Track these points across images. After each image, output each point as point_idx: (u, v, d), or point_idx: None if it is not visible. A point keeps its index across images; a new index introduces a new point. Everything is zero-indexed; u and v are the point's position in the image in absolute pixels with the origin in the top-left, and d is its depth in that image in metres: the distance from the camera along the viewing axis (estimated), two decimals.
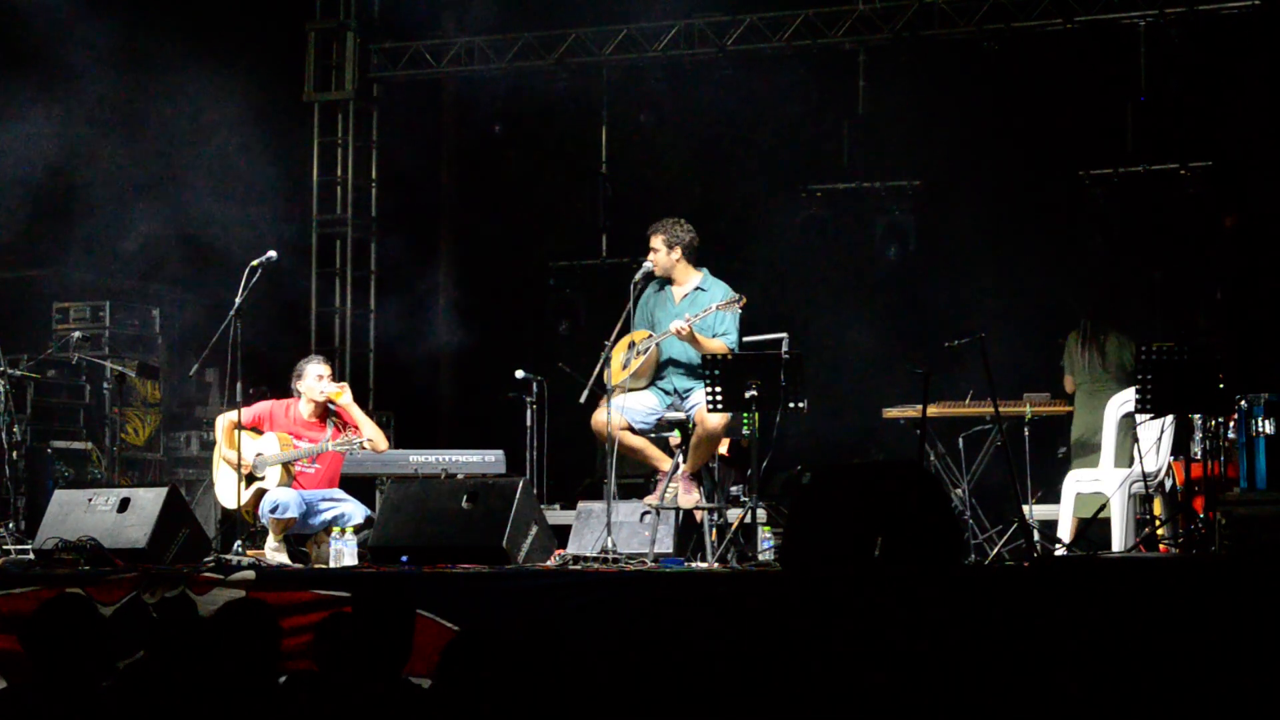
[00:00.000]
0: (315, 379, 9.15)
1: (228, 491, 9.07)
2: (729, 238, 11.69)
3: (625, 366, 8.52)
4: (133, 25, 11.64)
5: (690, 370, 8.57)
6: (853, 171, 12.79)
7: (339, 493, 9.19)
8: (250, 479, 8.99)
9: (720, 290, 8.61)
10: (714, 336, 8.44)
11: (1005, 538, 8.62)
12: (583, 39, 13.07)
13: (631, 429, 8.49)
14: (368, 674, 4.82)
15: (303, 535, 9.17)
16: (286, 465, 9.05)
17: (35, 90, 11.64)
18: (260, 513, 8.98)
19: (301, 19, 13.67)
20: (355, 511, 9.00)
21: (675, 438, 8.73)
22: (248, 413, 9.08)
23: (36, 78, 11.63)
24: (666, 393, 8.63)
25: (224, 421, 9.21)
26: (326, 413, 9.21)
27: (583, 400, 8.50)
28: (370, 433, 9.08)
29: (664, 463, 8.61)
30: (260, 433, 9.16)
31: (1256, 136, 11.49)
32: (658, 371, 8.64)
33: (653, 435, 8.74)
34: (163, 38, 11.72)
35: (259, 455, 9.04)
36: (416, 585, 7.41)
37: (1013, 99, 12.07)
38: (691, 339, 8.35)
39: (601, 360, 8.40)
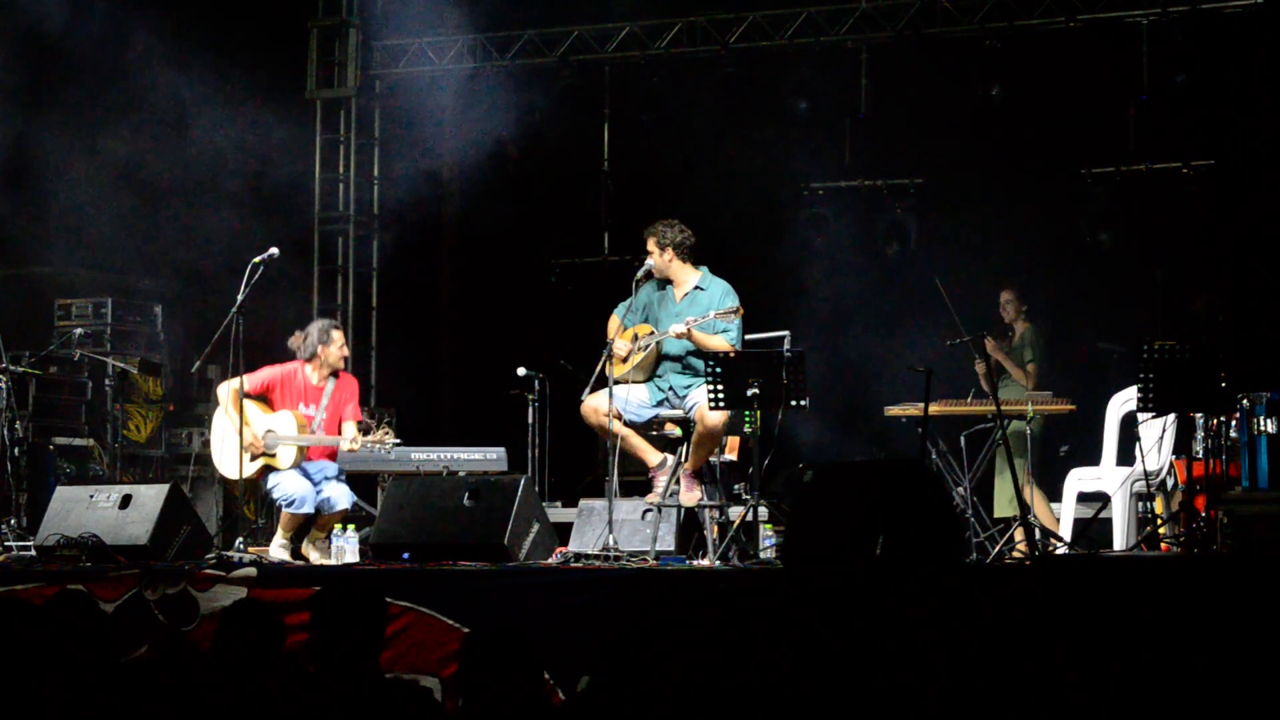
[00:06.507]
0: (338, 348, 9.15)
1: (228, 461, 8.97)
2: (731, 236, 11.68)
3: (627, 359, 8.52)
4: (134, 22, 11.64)
5: (686, 368, 8.56)
6: (855, 169, 12.80)
7: (332, 467, 9.15)
8: (258, 454, 8.91)
9: (719, 289, 8.60)
10: (715, 334, 8.44)
11: (1006, 536, 8.62)
12: (585, 36, 13.07)
13: (621, 418, 8.47)
14: (341, 668, 4.80)
15: (299, 533, 9.13)
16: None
17: (36, 88, 11.65)
18: (270, 489, 8.89)
19: (304, 16, 13.67)
20: (341, 497, 8.97)
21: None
22: (254, 380, 8.98)
23: (37, 76, 11.64)
24: (661, 389, 8.63)
25: (228, 390, 9.00)
26: (330, 376, 9.17)
27: (584, 397, 8.51)
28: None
29: (650, 455, 8.57)
30: (268, 401, 9.09)
31: (1259, 135, 11.48)
32: (655, 368, 8.64)
33: (654, 433, 8.73)
34: (165, 35, 11.71)
35: (270, 432, 8.94)
36: (418, 582, 7.41)
37: (1015, 97, 12.05)
38: (691, 337, 8.37)
39: (604, 356, 8.39)
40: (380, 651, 4.96)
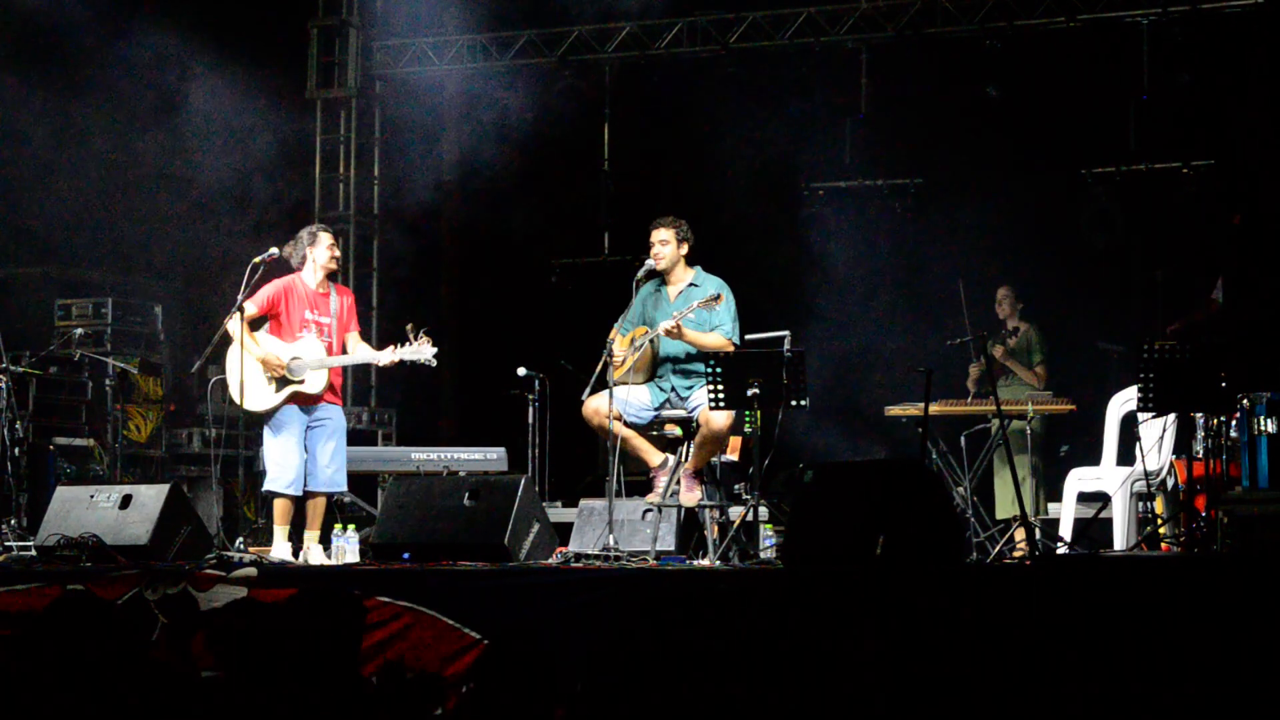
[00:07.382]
0: (327, 248, 8.95)
1: (249, 391, 8.67)
2: (730, 235, 11.69)
3: (623, 362, 8.52)
4: (135, 22, 11.65)
5: (687, 368, 8.56)
6: (855, 169, 12.81)
7: (338, 415, 8.96)
8: (284, 381, 8.69)
9: (713, 285, 8.61)
10: (710, 330, 8.44)
11: (1007, 536, 8.62)
12: (585, 36, 13.08)
13: (623, 420, 8.47)
14: (315, 673, 4.78)
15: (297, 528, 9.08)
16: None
17: (37, 87, 11.66)
18: (268, 430, 8.86)
19: (304, 16, 13.69)
20: (338, 476, 8.81)
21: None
22: (258, 300, 8.73)
23: (37, 75, 11.65)
24: (663, 390, 8.63)
25: (235, 322, 8.65)
26: (330, 278, 9.03)
27: (584, 398, 8.51)
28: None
29: (652, 455, 8.58)
30: (277, 320, 8.83)
31: (1259, 135, 11.48)
32: (654, 369, 8.64)
33: (654, 433, 8.73)
34: (165, 35, 11.72)
35: (295, 359, 8.73)
36: (418, 582, 7.41)
37: (1015, 97, 12.07)
38: (683, 336, 8.35)
39: (604, 356, 8.39)
40: (358, 647, 4.95)
